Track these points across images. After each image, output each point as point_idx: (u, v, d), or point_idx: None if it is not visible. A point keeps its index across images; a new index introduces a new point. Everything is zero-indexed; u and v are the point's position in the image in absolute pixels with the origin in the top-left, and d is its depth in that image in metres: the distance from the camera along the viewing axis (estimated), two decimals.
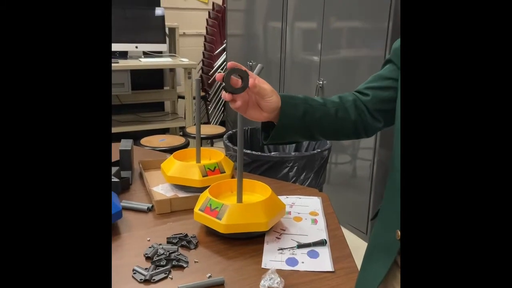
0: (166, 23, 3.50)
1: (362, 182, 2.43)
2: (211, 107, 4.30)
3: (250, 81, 0.74)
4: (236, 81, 0.75)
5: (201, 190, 1.18)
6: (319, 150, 1.68)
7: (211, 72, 4.16)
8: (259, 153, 1.65)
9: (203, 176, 1.25)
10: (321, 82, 2.60)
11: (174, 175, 1.27)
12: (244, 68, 0.75)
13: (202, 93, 4.32)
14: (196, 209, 1.05)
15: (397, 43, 0.84)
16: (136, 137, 2.65)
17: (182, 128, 3.50)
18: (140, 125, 3.43)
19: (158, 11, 3.45)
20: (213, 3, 4.14)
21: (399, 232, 0.76)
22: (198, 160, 1.32)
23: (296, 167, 1.63)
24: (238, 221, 0.99)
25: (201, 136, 2.98)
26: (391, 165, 0.84)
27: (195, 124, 2.65)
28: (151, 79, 3.79)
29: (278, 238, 1.04)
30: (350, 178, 2.53)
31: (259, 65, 0.93)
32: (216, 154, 1.40)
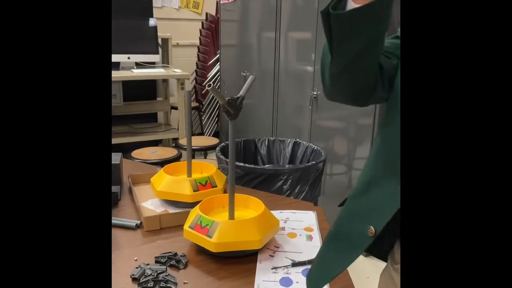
0: (159, 34, 3.47)
1: None
2: (205, 118, 4.27)
3: None
4: None
5: (192, 205, 1.14)
6: (313, 162, 1.64)
7: (204, 83, 4.13)
8: (252, 165, 1.61)
9: (194, 191, 1.21)
10: (316, 93, 2.57)
11: (164, 190, 1.22)
12: None
13: (196, 104, 4.29)
14: (186, 227, 1.01)
15: None
16: (129, 148, 2.60)
17: (176, 140, 3.46)
18: (133, 136, 3.38)
19: (151, 22, 3.43)
20: (207, 14, 4.13)
21: (373, 229, 0.70)
22: (189, 174, 1.28)
23: (290, 180, 1.59)
24: (229, 239, 0.95)
25: (194, 147, 2.94)
26: (368, 161, 0.78)
27: None
28: (143, 90, 3.75)
29: (272, 256, 1.00)
30: (345, 190, 2.49)
31: (251, 76, 0.89)
32: (208, 168, 1.36)
